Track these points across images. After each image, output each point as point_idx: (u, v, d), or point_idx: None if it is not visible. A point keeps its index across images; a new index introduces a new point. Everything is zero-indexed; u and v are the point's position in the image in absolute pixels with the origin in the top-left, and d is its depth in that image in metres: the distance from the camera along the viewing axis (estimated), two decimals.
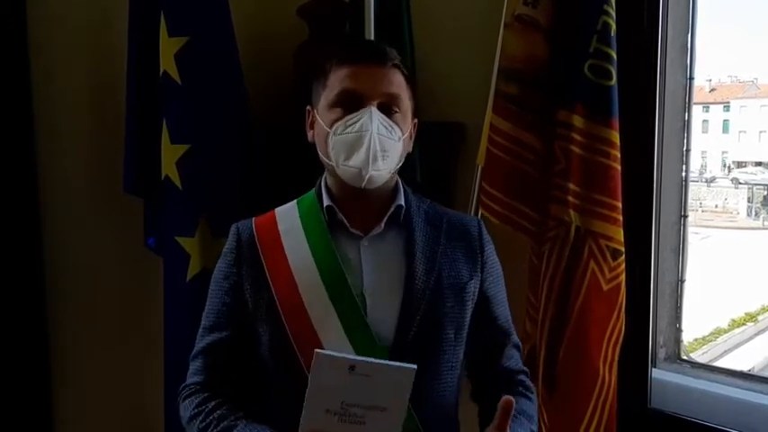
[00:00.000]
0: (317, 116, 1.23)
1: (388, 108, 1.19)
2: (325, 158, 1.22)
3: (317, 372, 1.02)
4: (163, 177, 1.87)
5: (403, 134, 1.20)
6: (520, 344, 1.37)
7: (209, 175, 1.88)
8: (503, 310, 1.32)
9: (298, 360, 1.16)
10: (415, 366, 1.04)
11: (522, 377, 1.32)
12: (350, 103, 1.17)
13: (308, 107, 1.27)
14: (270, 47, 2.23)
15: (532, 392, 1.30)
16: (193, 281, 1.86)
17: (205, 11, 1.87)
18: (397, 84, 1.20)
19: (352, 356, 1.05)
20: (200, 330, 1.27)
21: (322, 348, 1.12)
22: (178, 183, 1.86)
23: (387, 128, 1.17)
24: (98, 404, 2.10)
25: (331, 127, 1.18)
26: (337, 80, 1.19)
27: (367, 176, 1.16)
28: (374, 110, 1.16)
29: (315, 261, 1.20)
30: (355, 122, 1.16)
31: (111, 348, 2.11)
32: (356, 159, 1.16)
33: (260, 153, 1.97)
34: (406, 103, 1.22)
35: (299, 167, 1.51)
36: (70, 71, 2.02)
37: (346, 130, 1.16)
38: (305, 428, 1.04)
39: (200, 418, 1.19)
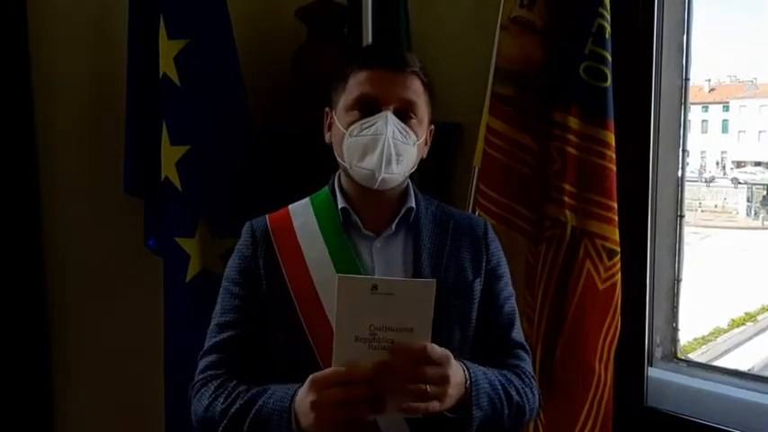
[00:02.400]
0: (335, 118, 1.25)
1: (404, 113, 1.20)
2: (339, 159, 1.24)
3: (342, 297, 1.01)
4: (163, 178, 1.89)
5: (418, 139, 1.22)
6: (526, 345, 1.32)
7: (208, 177, 1.89)
8: (508, 306, 1.31)
9: (314, 354, 1.17)
10: (434, 280, 1.04)
11: (526, 372, 1.28)
12: (367, 107, 1.19)
13: (327, 109, 1.29)
14: (268, 49, 2.25)
15: (528, 377, 1.26)
16: (193, 281, 1.88)
17: (204, 13, 1.88)
18: (415, 90, 1.21)
19: (374, 277, 1.05)
20: (213, 327, 1.25)
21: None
22: (178, 184, 1.87)
23: (402, 132, 1.19)
24: (98, 404, 2.11)
25: (347, 128, 1.20)
26: (355, 84, 1.20)
27: (380, 178, 1.19)
28: (390, 115, 1.18)
29: (331, 260, 1.22)
30: (371, 125, 1.18)
31: (112, 348, 2.12)
32: (369, 161, 1.18)
33: (259, 154, 1.99)
34: (423, 109, 1.24)
35: (298, 168, 1.53)
36: (71, 73, 2.03)
37: (362, 132, 1.19)
38: (339, 360, 1.03)
39: (222, 398, 1.16)
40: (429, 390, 1.03)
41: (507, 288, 1.33)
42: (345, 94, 1.22)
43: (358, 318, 1.01)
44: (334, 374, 1.03)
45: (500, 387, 1.18)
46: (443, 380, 1.05)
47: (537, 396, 1.27)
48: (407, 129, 1.20)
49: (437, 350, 1.05)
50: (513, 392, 1.20)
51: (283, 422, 1.08)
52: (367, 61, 1.22)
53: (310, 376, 1.06)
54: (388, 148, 1.17)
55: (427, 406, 1.03)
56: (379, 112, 1.18)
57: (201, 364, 1.24)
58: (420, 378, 1.03)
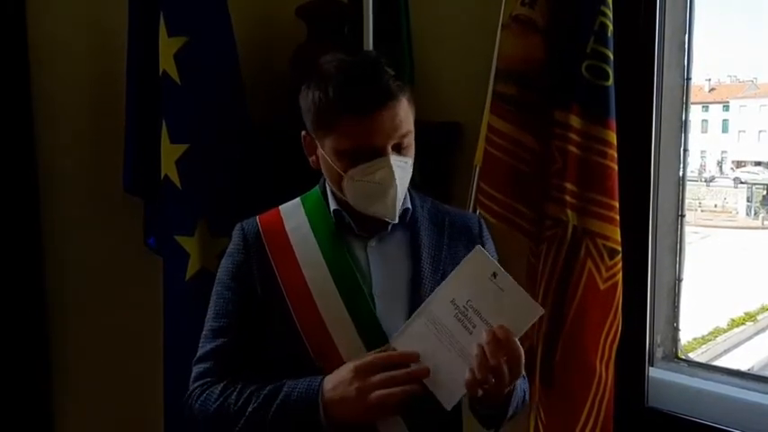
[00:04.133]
0: (323, 153, 1.19)
1: (400, 144, 1.18)
2: (339, 193, 1.21)
3: (468, 264, 1.09)
4: (162, 177, 1.88)
5: (412, 156, 1.21)
6: None
7: (208, 175, 1.89)
8: None
9: (310, 359, 1.16)
10: (543, 310, 1.09)
11: None
12: (364, 154, 1.15)
13: (304, 133, 1.23)
14: (268, 47, 2.24)
15: (524, 376, 1.31)
16: (193, 280, 1.88)
17: (204, 11, 1.88)
18: (404, 116, 1.17)
19: (501, 268, 1.09)
20: (206, 332, 1.23)
21: (336, 350, 1.15)
22: (178, 182, 1.87)
23: (402, 166, 1.17)
24: (98, 403, 2.11)
25: (345, 172, 1.16)
26: (347, 133, 1.14)
27: (394, 221, 1.20)
28: (393, 160, 1.15)
29: (326, 264, 1.20)
30: (374, 172, 1.15)
31: (111, 347, 2.11)
32: (380, 208, 1.17)
33: (258, 153, 1.98)
34: (411, 124, 1.20)
35: (297, 167, 1.52)
36: (70, 71, 2.03)
37: (365, 179, 1.15)
38: (427, 306, 1.11)
39: (233, 399, 1.15)
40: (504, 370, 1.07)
41: None
42: (334, 137, 1.16)
43: (466, 288, 1.09)
44: (378, 358, 1.09)
45: (521, 392, 1.25)
46: (519, 367, 1.09)
47: (528, 385, 1.35)
48: (406, 159, 1.18)
49: (520, 352, 1.09)
50: (526, 394, 1.29)
51: (311, 414, 1.09)
52: (354, 107, 1.13)
53: (350, 365, 1.10)
54: (395, 192, 1.16)
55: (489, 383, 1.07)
56: (377, 155, 1.14)
57: (196, 370, 1.22)
58: (507, 353, 1.06)
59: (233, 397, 1.15)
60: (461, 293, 1.08)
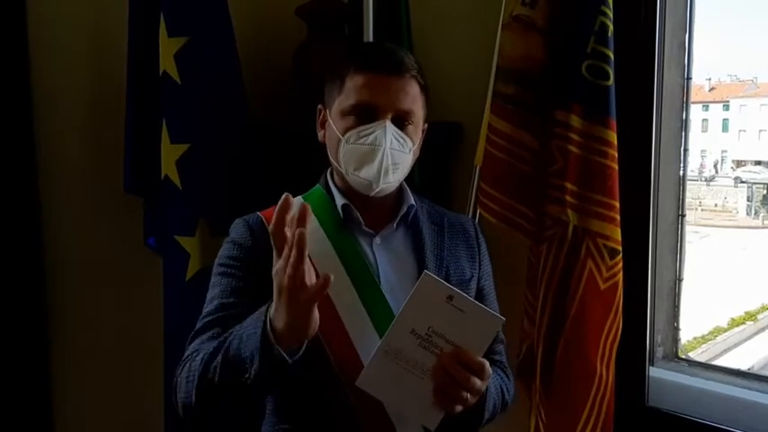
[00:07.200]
0: (330, 119, 1.23)
1: (401, 121, 1.19)
2: (335, 163, 1.23)
3: (419, 291, 1.06)
4: (163, 177, 1.88)
5: (414, 145, 1.22)
6: (504, 339, 1.39)
7: (208, 175, 1.89)
8: (494, 305, 1.36)
9: (323, 347, 1.15)
10: (504, 318, 1.08)
11: (507, 365, 1.36)
12: (364, 114, 1.18)
13: (320, 106, 1.27)
14: (269, 46, 2.24)
15: (509, 376, 1.34)
16: (193, 280, 1.87)
17: (204, 11, 1.88)
18: (413, 96, 1.20)
19: (455, 288, 1.07)
20: (213, 307, 1.18)
21: (352, 344, 1.15)
22: (178, 182, 1.87)
23: (399, 141, 1.18)
24: (98, 403, 2.11)
25: (343, 134, 1.19)
26: (353, 88, 1.18)
27: (377, 189, 1.19)
28: (389, 124, 1.17)
29: (339, 258, 1.21)
30: (369, 134, 1.17)
31: (111, 347, 2.11)
32: (367, 172, 1.18)
33: (259, 152, 1.98)
34: (419, 114, 1.23)
35: (298, 166, 1.53)
36: (70, 71, 2.03)
37: (359, 141, 1.17)
38: (387, 342, 1.06)
39: (197, 359, 1.13)
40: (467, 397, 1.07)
41: (493, 289, 1.37)
42: (342, 96, 1.20)
43: (423, 315, 1.06)
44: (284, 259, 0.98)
45: (500, 391, 1.26)
46: (478, 392, 1.09)
47: (513, 385, 1.36)
48: (404, 137, 1.19)
49: (484, 363, 1.09)
50: (506, 393, 1.29)
51: (259, 325, 1.02)
52: (365, 64, 1.19)
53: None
54: (386, 159, 1.17)
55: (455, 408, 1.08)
56: (376, 120, 1.17)
57: (191, 347, 1.19)
58: (464, 383, 1.06)
59: (197, 360, 1.13)
60: (420, 322, 1.06)
